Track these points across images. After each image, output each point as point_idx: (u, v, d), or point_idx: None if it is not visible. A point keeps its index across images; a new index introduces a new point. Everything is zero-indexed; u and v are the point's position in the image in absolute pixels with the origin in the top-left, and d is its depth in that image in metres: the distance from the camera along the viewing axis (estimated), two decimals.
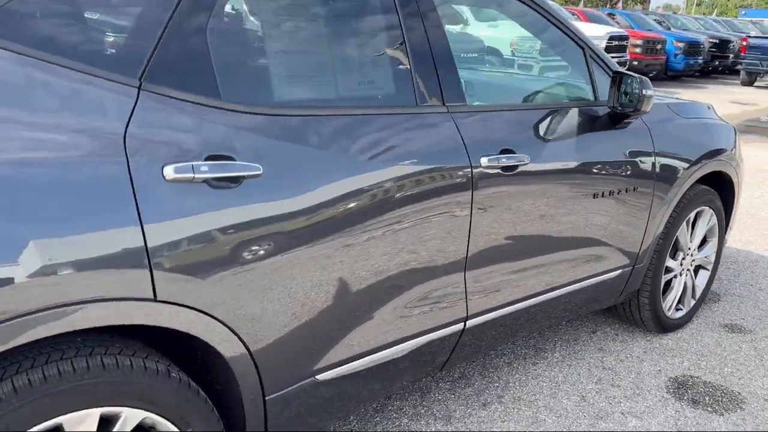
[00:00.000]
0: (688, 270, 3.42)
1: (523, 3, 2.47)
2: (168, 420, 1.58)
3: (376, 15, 2.04)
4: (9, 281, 1.26)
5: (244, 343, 1.67)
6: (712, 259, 3.57)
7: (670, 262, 3.26)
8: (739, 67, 18.97)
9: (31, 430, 1.37)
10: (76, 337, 1.47)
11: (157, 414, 1.56)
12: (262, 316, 1.69)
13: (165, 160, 1.49)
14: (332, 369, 1.94)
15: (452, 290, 2.22)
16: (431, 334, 2.20)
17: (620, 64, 7.19)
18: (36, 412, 1.36)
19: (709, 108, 3.52)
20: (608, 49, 13.90)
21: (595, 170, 2.62)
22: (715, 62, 20.18)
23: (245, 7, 1.89)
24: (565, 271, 2.65)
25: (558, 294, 2.66)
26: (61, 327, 1.36)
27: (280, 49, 1.92)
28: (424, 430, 2.54)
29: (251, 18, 1.91)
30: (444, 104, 2.13)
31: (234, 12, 1.87)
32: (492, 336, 2.50)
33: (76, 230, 1.36)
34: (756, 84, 18.59)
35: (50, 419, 1.39)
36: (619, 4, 32.71)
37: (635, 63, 15.42)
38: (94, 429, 1.47)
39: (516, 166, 2.27)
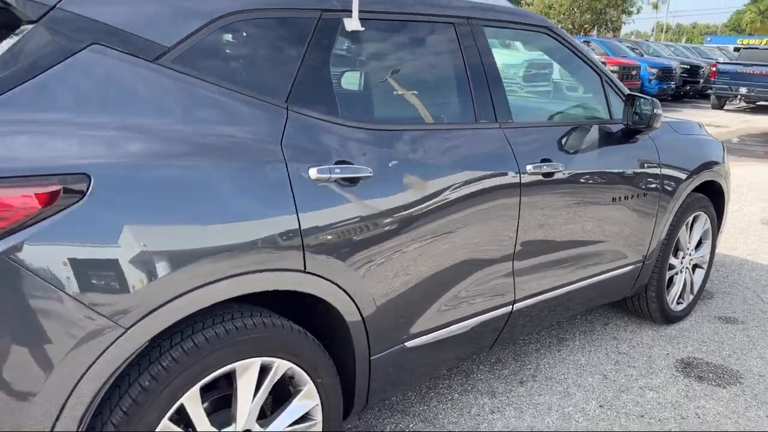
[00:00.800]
0: (687, 268, 3.89)
1: (557, 41, 2.96)
2: (305, 371, 1.98)
3: (445, 54, 2.49)
4: (212, 253, 1.67)
5: (360, 311, 2.08)
6: (707, 258, 4.05)
7: (672, 260, 3.73)
8: (709, 91, 19.82)
9: (215, 372, 1.76)
10: (232, 304, 1.87)
11: (298, 365, 1.95)
12: (372, 289, 2.10)
13: (309, 163, 1.91)
14: (416, 338, 2.35)
15: (504, 277, 2.64)
16: (488, 314, 2.63)
17: None
18: (220, 358, 1.76)
19: (700, 126, 4.03)
20: None
21: (613, 178, 3.09)
22: (687, 87, 21.06)
23: (353, 49, 2.33)
24: (590, 265, 3.10)
25: (584, 284, 3.10)
26: (241, 290, 1.76)
27: (377, 79, 2.36)
28: (473, 402, 2.95)
29: (356, 56, 2.36)
30: (496, 121, 2.58)
31: (345, 52, 2.30)
32: (532, 319, 2.93)
33: (255, 216, 1.77)
34: (726, 107, 19.45)
35: (228, 364, 1.79)
36: (594, 32, 33.84)
37: None
38: (256, 375, 1.87)
39: (553, 173, 2.73)
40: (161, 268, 1.59)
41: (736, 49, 33.27)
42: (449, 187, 2.31)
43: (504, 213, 2.54)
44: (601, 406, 2.98)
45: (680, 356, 3.51)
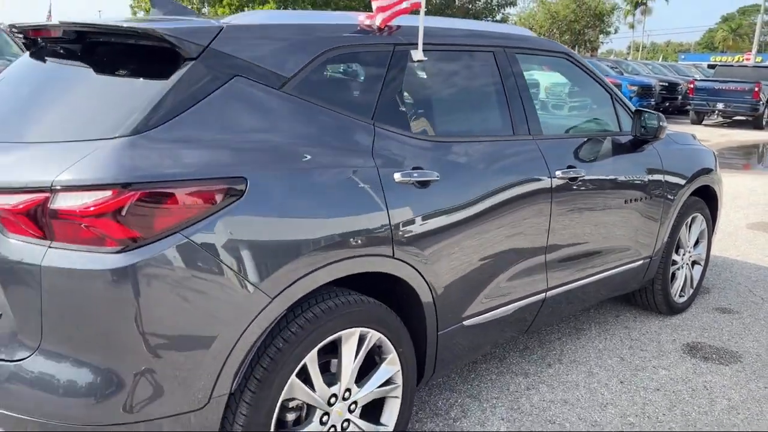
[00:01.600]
0: (687, 264, 4.35)
1: (574, 65, 3.43)
2: (390, 342, 2.38)
3: (488, 78, 2.94)
4: (331, 240, 2.08)
5: (431, 293, 2.49)
6: (704, 256, 4.51)
7: (675, 257, 4.18)
8: (688, 107, 20.56)
9: (328, 338, 2.16)
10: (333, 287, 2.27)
11: (385, 336, 2.36)
12: (440, 274, 2.51)
13: (394, 169, 2.34)
14: (471, 318, 2.77)
15: (538, 268, 3.07)
16: (526, 300, 3.05)
17: None
18: (331, 326, 2.16)
19: (693, 137, 4.51)
20: None
21: (625, 182, 3.54)
22: (666, 103, 21.78)
23: (418, 75, 2.77)
24: (608, 259, 3.54)
25: (603, 276, 3.54)
26: (350, 270, 2.17)
27: (438, 99, 2.81)
28: (510, 382, 3.36)
29: (421, 80, 2.80)
30: (530, 134, 3.03)
31: (413, 79, 2.74)
32: (560, 306, 3.36)
33: (359, 212, 2.19)
34: (704, 122, 20.17)
35: (337, 332, 2.19)
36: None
37: None
38: (356, 342, 2.27)
39: (577, 177, 3.17)
40: (295, 251, 2.00)
41: (710, 66, 34.30)
42: (496, 189, 2.74)
43: (539, 211, 2.97)
44: (621, 382, 3.40)
45: (685, 341, 3.94)
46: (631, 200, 3.59)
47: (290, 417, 2.16)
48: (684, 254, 4.30)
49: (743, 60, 42.81)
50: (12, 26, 2.53)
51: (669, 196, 3.88)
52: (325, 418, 2.23)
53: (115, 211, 1.72)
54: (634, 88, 19.61)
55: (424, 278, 2.44)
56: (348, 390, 2.29)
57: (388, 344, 2.39)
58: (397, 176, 2.34)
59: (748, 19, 72.38)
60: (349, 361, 2.26)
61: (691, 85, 19.99)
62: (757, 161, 13.31)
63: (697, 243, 4.46)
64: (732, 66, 26.76)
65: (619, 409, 3.14)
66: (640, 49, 68.16)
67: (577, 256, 3.31)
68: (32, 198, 1.74)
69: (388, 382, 2.44)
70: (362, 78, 2.47)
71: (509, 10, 28.19)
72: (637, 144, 3.67)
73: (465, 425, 2.94)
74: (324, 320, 2.13)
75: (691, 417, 3.09)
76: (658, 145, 3.83)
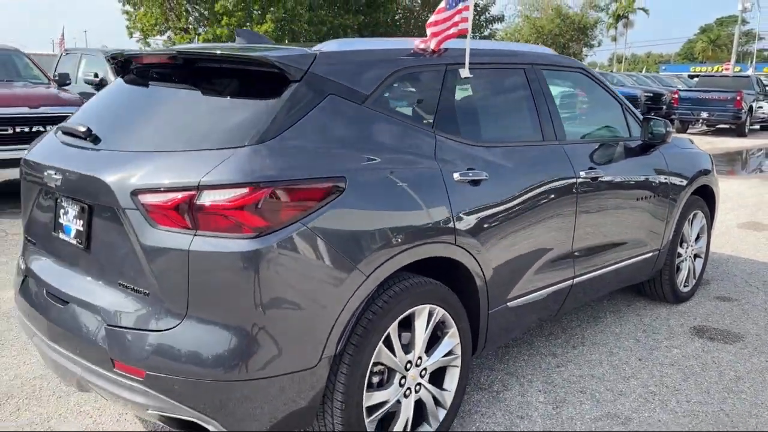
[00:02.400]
0: (690, 257, 4.80)
1: (589, 78, 3.88)
2: (452, 318, 2.79)
3: (521, 91, 3.38)
4: (410, 228, 2.49)
5: (484, 276, 2.91)
6: (704, 249, 4.96)
7: (679, 250, 4.62)
8: (673, 116, 21.21)
9: (405, 312, 2.57)
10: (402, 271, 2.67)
11: (448, 313, 2.77)
12: (491, 260, 2.93)
13: (453, 170, 2.76)
14: (514, 300, 3.18)
15: (567, 257, 3.49)
16: (559, 284, 3.47)
17: None
18: (404, 303, 2.56)
19: (691, 141, 4.97)
20: None
21: (636, 182, 3.98)
22: (651, 113, 22.42)
23: (465, 89, 3.20)
24: (623, 251, 3.97)
25: (620, 266, 3.97)
26: (423, 255, 2.58)
27: (482, 110, 3.24)
28: (541, 361, 3.76)
29: (468, 94, 3.23)
30: (557, 139, 3.46)
31: (463, 91, 3.17)
32: (585, 292, 3.78)
33: (429, 205, 2.60)
34: (689, 131, 20.83)
35: (409, 308, 2.59)
36: None
37: None
38: (426, 317, 2.67)
39: (597, 177, 3.61)
40: (383, 237, 2.41)
41: (691, 76, 35.11)
42: (533, 186, 3.17)
43: (566, 207, 3.40)
44: (639, 360, 3.82)
45: (692, 325, 4.38)
46: (641, 198, 4.03)
47: (375, 380, 2.56)
48: (687, 248, 4.74)
49: (723, 70, 43.87)
50: (116, 55, 2.94)
51: (673, 195, 4.32)
52: (402, 381, 2.62)
53: (251, 205, 2.12)
54: None
55: (478, 263, 2.86)
56: (420, 358, 2.69)
57: (449, 320, 2.79)
58: (456, 176, 2.76)
59: (725, 30, 73.94)
60: (421, 333, 2.66)
61: (676, 95, 20.63)
62: (741, 167, 13.89)
63: (698, 238, 4.90)
64: (714, 76, 27.53)
65: (640, 380, 3.56)
66: (623, 61, 69.26)
67: (598, 247, 3.74)
68: (180, 196, 2.14)
69: (449, 353, 2.84)
70: (423, 93, 2.90)
71: (497, 25, 28.84)
72: (645, 148, 4.12)
73: (507, 396, 3.34)
74: (402, 297, 2.53)
75: (703, 386, 3.51)
76: (663, 149, 4.28)
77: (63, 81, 9.23)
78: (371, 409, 2.52)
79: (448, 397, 2.84)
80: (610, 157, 3.84)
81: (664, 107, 22.76)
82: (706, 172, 4.72)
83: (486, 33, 27.00)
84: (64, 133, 2.81)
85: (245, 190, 2.12)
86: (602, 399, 3.34)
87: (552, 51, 3.86)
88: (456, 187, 2.74)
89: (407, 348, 2.64)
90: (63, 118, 7.69)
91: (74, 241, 2.51)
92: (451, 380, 2.86)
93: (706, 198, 4.85)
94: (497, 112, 3.34)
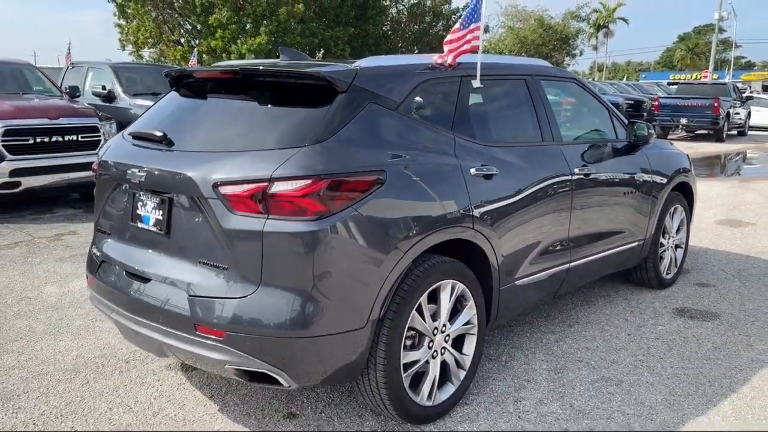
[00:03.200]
0: (671, 247, 5.32)
1: (581, 87, 4.40)
2: (470, 292, 3.27)
3: (523, 98, 3.88)
4: (438, 213, 2.98)
5: (496, 256, 3.40)
6: (684, 240, 5.50)
7: (662, 240, 5.15)
8: (654, 123, 21.92)
9: (433, 285, 3.05)
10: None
11: (467, 287, 3.25)
12: (502, 243, 3.41)
13: (469, 165, 3.25)
14: (520, 279, 3.66)
15: (564, 243, 3.99)
16: (557, 267, 3.96)
17: None
18: (432, 278, 3.03)
19: (670, 143, 5.51)
20: None
21: (624, 178, 4.50)
22: (632, 120, 23.08)
23: (477, 97, 3.70)
24: (613, 239, 4.48)
25: (610, 253, 4.47)
26: (447, 237, 3.06)
27: (491, 114, 3.74)
28: (541, 338, 4.25)
29: (479, 101, 3.73)
30: (554, 140, 3.97)
31: (475, 96, 3.66)
32: (579, 276, 4.28)
33: (451, 196, 3.09)
34: (669, 137, 21.51)
35: (436, 282, 3.07)
36: None
37: None
38: (450, 290, 3.15)
39: (589, 174, 4.12)
40: (416, 220, 2.89)
41: (670, 84, 35.91)
42: (535, 181, 3.67)
43: (564, 199, 3.90)
44: (628, 335, 4.33)
45: (674, 306, 4.90)
46: (628, 193, 4.55)
47: (409, 342, 3.03)
48: (669, 238, 5.27)
49: (701, 77, 44.91)
50: (178, 71, 3.41)
51: (656, 191, 4.85)
52: (430, 344, 3.10)
53: (313, 193, 2.60)
54: None
55: (491, 246, 3.35)
56: (444, 325, 3.16)
57: (468, 294, 3.27)
58: (472, 170, 3.25)
59: (703, 38, 75.41)
60: (445, 303, 3.14)
61: (657, 103, 21.35)
62: (720, 170, 14.55)
63: (678, 230, 5.43)
64: (692, 84, 28.36)
65: (630, 351, 4.06)
66: (603, 69, 70.38)
67: (590, 236, 4.24)
68: (255, 186, 2.61)
69: (468, 323, 3.32)
70: (443, 100, 3.39)
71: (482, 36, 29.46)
72: (630, 148, 4.64)
73: (514, 365, 3.83)
74: (431, 272, 3.01)
75: (685, 354, 4.02)
76: (646, 150, 4.81)
77: (73, 93, 9.64)
78: (406, 366, 2.99)
79: (467, 361, 3.32)
80: (599, 157, 4.36)
81: (645, 114, 23.47)
82: (685, 171, 5.26)
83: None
84: (135, 137, 3.27)
85: (309, 182, 2.60)
86: (597, 366, 3.84)
87: (548, 63, 4.38)
88: (473, 181, 3.23)
89: (434, 317, 3.12)
90: (80, 129, 8.18)
91: (154, 229, 2.97)
92: (470, 346, 3.34)
93: (685, 194, 5.38)
94: (503, 116, 3.84)
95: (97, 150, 8.21)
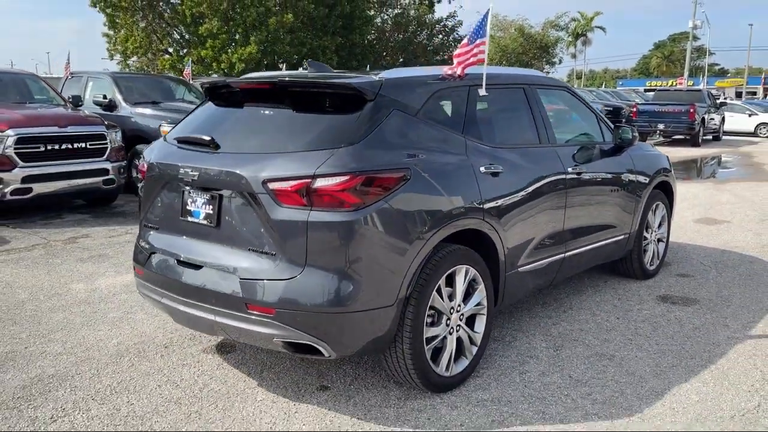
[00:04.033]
0: (654, 240, 5.80)
1: (572, 95, 4.87)
2: (481, 276, 3.70)
3: (522, 105, 4.34)
4: (453, 205, 3.40)
5: (503, 245, 3.82)
6: (665, 235, 5.98)
7: (645, 234, 5.62)
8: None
9: (449, 270, 3.47)
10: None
11: (478, 272, 3.67)
12: (507, 233, 3.84)
13: (479, 164, 3.68)
14: (523, 267, 4.10)
15: (559, 235, 4.44)
16: (554, 257, 4.41)
17: None
18: (449, 263, 3.45)
19: (651, 145, 6.00)
20: None
21: (611, 177, 4.97)
22: None
23: (483, 104, 4.13)
24: (602, 232, 4.94)
25: (599, 245, 4.93)
26: (461, 227, 3.49)
27: (495, 119, 4.18)
28: (539, 322, 4.69)
29: (484, 107, 4.16)
30: (549, 143, 4.42)
31: (481, 103, 4.09)
32: (573, 265, 4.73)
33: (464, 190, 3.51)
34: (648, 142, 22.19)
35: (452, 267, 3.49)
36: None
37: None
38: (464, 274, 3.58)
39: (582, 173, 4.57)
40: (436, 212, 3.31)
41: (647, 91, 36.72)
42: (536, 179, 4.11)
43: (559, 195, 4.35)
44: (617, 318, 4.78)
45: (658, 294, 5.37)
46: (614, 190, 5.02)
47: (429, 320, 3.44)
48: (651, 233, 5.75)
49: (677, 84, 45.99)
50: (217, 83, 3.81)
51: (639, 189, 5.33)
52: (447, 322, 3.51)
53: (351, 188, 3.01)
54: None
55: (499, 236, 3.78)
56: (459, 305, 3.58)
57: (479, 278, 3.70)
58: (482, 169, 3.68)
59: (678, 46, 76.98)
60: (460, 286, 3.56)
61: (635, 109, 22.04)
62: (696, 173, 15.17)
63: (660, 225, 5.91)
64: (669, 90, 29.19)
65: (619, 332, 4.51)
66: (582, 77, 71.47)
67: (582, 229, 4.69)
68: (300, 182, 3.02)
69: (479, 304, 3.74)
70: (454, 107, 3.82)
71: None
72: (616, 150, 5.12)
73: (517, 344, 4.26)
74: (448, 258, 3.43)
75: (668, 333, 4.48)
76: (630, 151, 5.29)
77: (76, 102, 9.97)
78: (428, 340, 3.40)
79: (478, 338, 3.74)
80: (589, 158, 4.82)
81: (624, 120, 24.17)
82: (666, 171, 5.75)
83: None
84: (180, 141, 3.66)
85: (346, 178, 3.01)
86: (591, 344, 4.28)
87: (542, 74, 4.84)
88: (482, 177, 3.67)
89: (450, 297, 3.54)
90: (88, 137, 8.52)
91: (204, 222, 3.37)
92: (480, 324, 3.76)
93: (665, 192, 5.87)
94: (506, 120, 4.28)
95: (104, 156, 8.63)
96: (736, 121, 27.49)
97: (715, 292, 5.43)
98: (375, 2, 25.80)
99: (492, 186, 3.72)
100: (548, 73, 40.85)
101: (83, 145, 8.47)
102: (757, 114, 28.03)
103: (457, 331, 3.59)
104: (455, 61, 3.89)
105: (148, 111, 10.33)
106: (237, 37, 19.44)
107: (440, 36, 29.07)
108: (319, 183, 3.01)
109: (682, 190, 11.11)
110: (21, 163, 7.89)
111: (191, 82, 13.89)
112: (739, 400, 3.53)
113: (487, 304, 3.78)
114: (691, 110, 20.55)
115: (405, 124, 3.40)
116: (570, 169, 4.45)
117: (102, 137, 8.66)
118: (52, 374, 3.79)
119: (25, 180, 7.90)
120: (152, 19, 20.34)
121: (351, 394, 3.56)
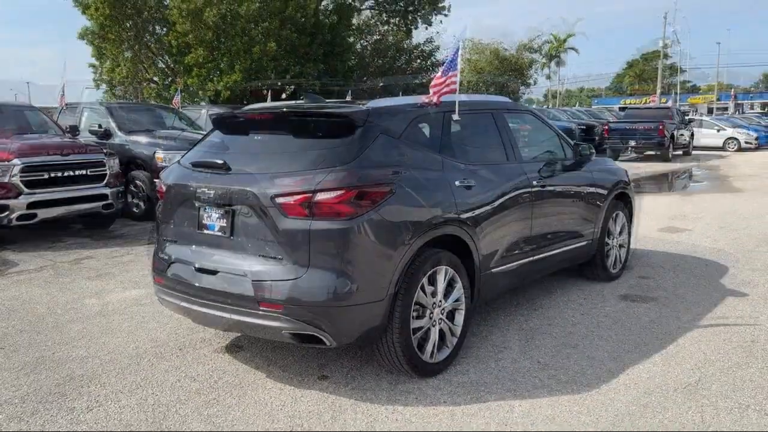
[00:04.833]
0: (615, 246, 6.41)
1: (535, 118, 5.51)
2: (458, 275, 4.26)
3: (491, 128, 4.94)
4: (432, 214, 3.98)
5: (477, 248, 4.39)
6: (627, 241, 6.60)
7: (607, 240, 6.24)
8: (605, 146, 23.40)
9: (431, 270, 4.03)
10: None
11: (456, 272, 4.24)
12: (481, 239, 4.42)
13: (454, 179, 4.27)
14: (495, 268, 4.67)
15: (526, 241, 5.02)
16: (522, 260, 4.99)
17: None
18: (430, 264, 4.01)
19: (612, 160, 6.65)
20: None
21: (573, 190, 5.59)
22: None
23: (456, 127, 4.72)
24: (566, 239, 5.54)
25: (564, 250, 5.52)
26: (439, 233, 4.05)
27: (467, 141, 4.77)
28: (516, 318, 5.26)
29: (457, 130, 4.76)
30: (516, 160, 5.03)
31: (455, 126, 4.68)
32: (540, 267, 5.31)
33: (441, 200, 4.09)
34: (620, 159, 23.00)
35: (433, 268, 4.04)
36: None
37: None
38: (444, 274, 4.14)
39: (546, 186, 5.18)
40: (418, 220, 3.88)
41: (621, 109, 37.80)
42: (504, 192, 4.70)
43: (526, 206, 4.94)
44: (582, 314, 5.37)
45: (620, 293, 5.97)
46: (577, 201, 5.64)
47: (415, 314, 3.99)
48: (613, 239, 6.36)
49: (650, 101, 47.30)
50: (227, 114, 4.38)
51: (599, 200, 5.95)
52: (431, 315, 4.06)
53: (345, 200, 3.57)
54: None
55: (474, 241, 4.35)
56: (441, 301, 4.14)
57: (457, 277, 4.26)
58: (456, 183, 4.27)
59: (650, 65, 78.83)
60: (441, 284, 4.12)
61: (606, 127, 22.87)
62: (666, 187, 15.93)
63: (621, 232, 6.53)
64: (639, 108, 30.22)
65: (584, 325, 5.09)
66: (558, 96, 72.87)
67: (549, 235, 5.29)
68: (303, 197, 3.58)
69: (457, 300, 4.30)
70: (432, 130, 4.41)
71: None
72: (577, 165, 5.74)
73: (492, 338, 4.82)
74: (429, 260, 3.99)
75: (627, 326, 5.07)
76: (590, 166, 5.92)
77: (74, 132, 10.46)
78: (414, 331, 3.95)
79: (458, 330, 4.30)
80: (552, 172, 5.43)
81: (597, 138, 24.99)
82: (624, 183, 6.39)
83: (432, 76, 29.05)
84: (195, 165, 4.20)
85: (342, 192, 3.58)
86: (558, 335, 4.85)
87: (508, 100, 5.47)
88: (457, 190, 4.25)
89: (433, 294, 4.10)
90: (88, 164, 9.02)
91: (219, 233, 3.91)
92: (459, 318, 4.32)
93: (625, 203, 6.50)
94: (477, 141, 4.88)
95: (103, 183, 9.12)
96: (705, 135, 28.52)
97: (672, 291, 6.04)
98: (355, 30, 26.63)
99: (466, 197, 4.30)
100: (523, 94, 41.94)
101: (84, 172, 8.95)
102: (725, 129, 29.11)
103: (439, 323, 4.14)
104: (431, 90, 4.49)
105: (142, 139, 10.83)
106: (222, 66, 20.08)
107: (418, 61, 29.96)
108: (320, 196, 3.57)
109: (650, 202, 11.82)
110: (26, 190, 8.34)
111: (180, 110, 14.42)
112: (683, 377, 4.11)
113: (465, 300, 4.34)
114: (661, 127, 21.42)
115: (390, 146, 3.98)
116: (535, 183, 5.05)
117: (101, 164, 9.15)
118: (81, 374, 4.27)
119: (30, 206, 8.35)
120: (138, 50, 20.91)
121: (348, 381, 4.09)
